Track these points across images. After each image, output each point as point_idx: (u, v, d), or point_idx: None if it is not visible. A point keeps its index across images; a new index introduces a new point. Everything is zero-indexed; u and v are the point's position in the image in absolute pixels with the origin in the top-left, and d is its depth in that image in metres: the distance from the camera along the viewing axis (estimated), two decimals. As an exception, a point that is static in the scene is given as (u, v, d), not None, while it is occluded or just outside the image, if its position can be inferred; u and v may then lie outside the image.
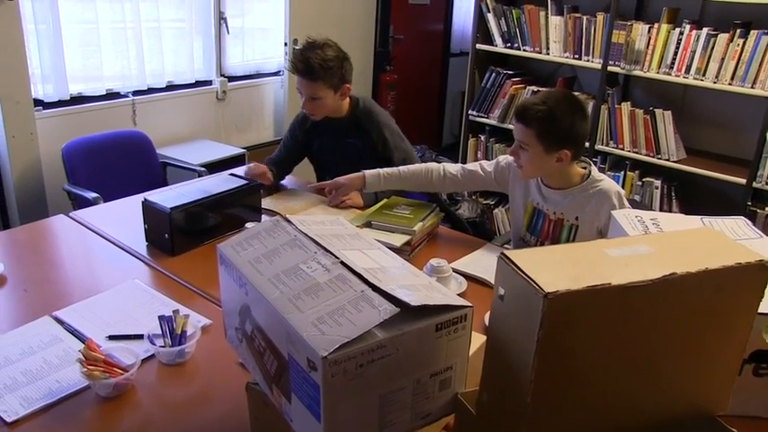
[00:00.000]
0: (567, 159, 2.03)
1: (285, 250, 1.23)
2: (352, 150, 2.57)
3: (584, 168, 2.11)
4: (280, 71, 4.44)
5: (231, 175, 2.37)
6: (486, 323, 1.58)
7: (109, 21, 3.46)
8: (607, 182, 2.11)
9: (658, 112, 3.51)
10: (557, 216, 2.17)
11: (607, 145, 3.72)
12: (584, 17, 3.63)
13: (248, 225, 2.05)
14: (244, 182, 2.27)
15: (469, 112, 4.19)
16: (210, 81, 4.03)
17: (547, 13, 3.75)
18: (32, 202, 3.18)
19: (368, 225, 2.16)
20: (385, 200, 2.37)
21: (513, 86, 3.97)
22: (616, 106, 3.65)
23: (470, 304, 1.13)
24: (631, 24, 3.48)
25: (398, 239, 2.07)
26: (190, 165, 3.39)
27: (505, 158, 2.29)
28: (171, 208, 2.00)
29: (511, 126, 3.98)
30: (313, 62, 2.33)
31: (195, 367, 1.51)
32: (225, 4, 3.97)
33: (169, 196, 2.09)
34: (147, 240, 2.10)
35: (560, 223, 2.17)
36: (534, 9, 3.79)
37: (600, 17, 3.57)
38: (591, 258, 1.06)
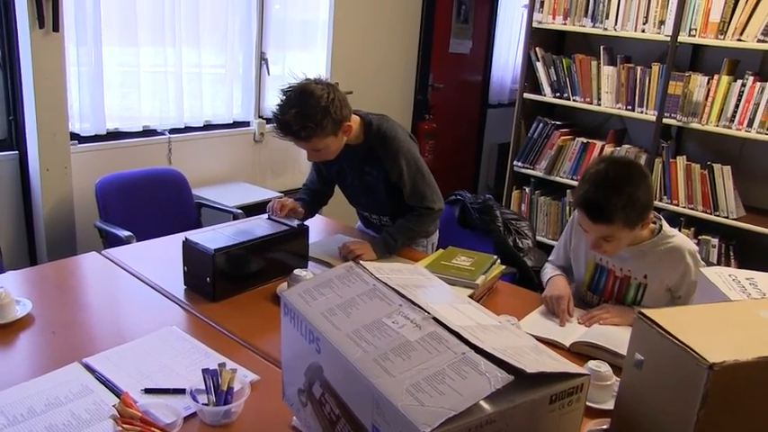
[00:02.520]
0: (649, 221, 1.88)
1: (364, 301, 1.06)
2: (369, 179, 2.33)
3: (654, 223, 1.94)
4: (318, 115, 4.33)
5: (270, 219, 2.20)
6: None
7: (150, 65, 3.40)
8: (680, 238, 1.94)
9: (717, 166, 3.34)
10: (623, 273, 1.99)
11: (661, 200, 3.54)
12: (638, 68, 3.51)
13: (297, 272, 1.89)
14: (287, 225, 2.11)
15: (514, 162, 4.04)
16: (248, 122, 3.94)
17: (599, 63, 3.63)
18: (62, 238, 3.05)
19: (424, 275, 1.98)
20: (441, 250, 2.20)
21: (562, 137, 3.83)
22: (671, 160, 3.48)
23: (587, 372, 0.94)
24: (689, 75, 3.34)
25: (460, 293, 1.88)
26: (226, 206, 3.25)
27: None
28: (215, 250, 1.84)
29: (558, 179, 3.90)
30: (294, 126, 2.02)
31: (242, 429, 1.33)
32: (267, 46, 3.90)
33: (211, 237, 1.94)
34: (185, 284, 1.94)
35: (627, 281, 1.98)
36: (585, 59, 3.68)
37: (655, 68, 3.44)
38: (744, 322, 0.88)
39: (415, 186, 2.28)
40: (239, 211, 3.20)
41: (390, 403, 0.84)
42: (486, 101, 5.88)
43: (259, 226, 2.10)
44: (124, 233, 2.72)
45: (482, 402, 0.84)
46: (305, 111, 2.01)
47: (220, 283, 1.87)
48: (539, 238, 3.55)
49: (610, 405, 1.39)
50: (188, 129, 3.60)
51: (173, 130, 3.51)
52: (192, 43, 3.55)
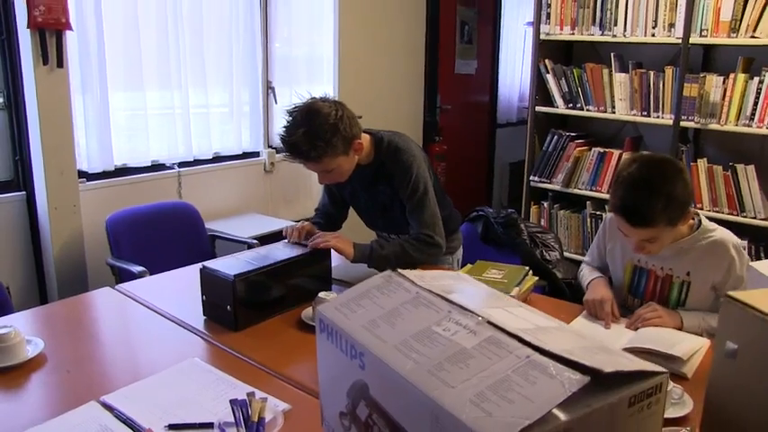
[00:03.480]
0: (690, 216, 1.79)
1: (408, 310, 0.97)
2: (383, 198, 2.22)
3: (692, 218, 1.84)
4: (326, 142, 4.27)
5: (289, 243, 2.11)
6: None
7: (157, 108, 3.36)
8: (721, 231, 1.85)
9: (740, 167, 3.24)
10: (664, 272, 1.89)
11: (684, 206, 3.43)
12: (651, 72, 3.43)
13: (323, 295, 1.80)
14: (306, 249, 2.02)
15: (530, 178, 3.95)
16: (258, 152, 3.88)
17: (610, 71, 3.56)
18: (73, 277, 2.97)
19: (455, 290, 1.89)
20: (470, 265, 2.10)
21: (578, 149, 3.75)
22: (692, 164, 3.39)
23: (665, 370, 0.84)
24: (704, 77, 3.26)
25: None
26: (240, 237, 3.17)
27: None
28: (234, 276, 1.75)
29: (577, 191, 3.79)
30: (303, 147, 1.92)
31: (277, 463, 1.22)
32: (273, 74, 3.86)
33: (230, 264, 1.85)
34: (204, 314, 1.85)
35: (669, 281, 1.89)
36: (596, 67, 3.61)
37: (669, 71, 3.37)
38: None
39: (419, 206, 2.14)
40: (254, 241, 3.12)
41: (453, 417, 0.74)
42: (495, 120, 5.82)
43: (278, 250, 2.01)
44: (137, 268, 2.64)
45: (555, 410, 0.74)
46: (313, 130, 1.92)
47: (242, 310, 1.77)
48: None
49: (669, 413, 1.28)
50: (197, 162, 3.54)
51: (182, 164, 3.45)
52: (199, 83, 3.51)
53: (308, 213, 4.21)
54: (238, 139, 3.77)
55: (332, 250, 2.05)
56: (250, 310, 1.81)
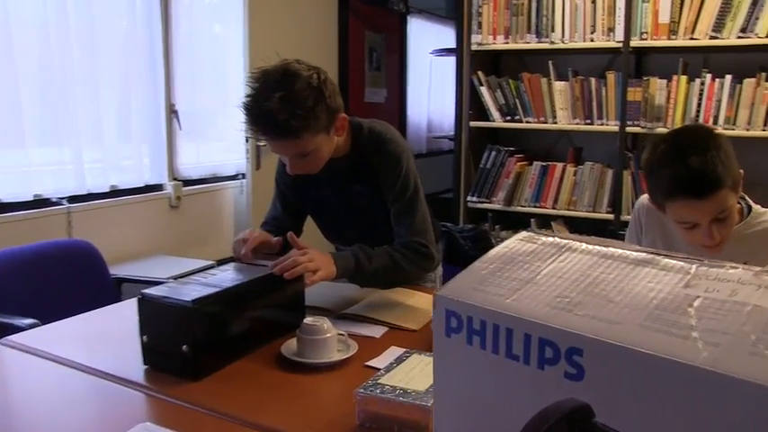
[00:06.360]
0: (739, 191, 1.52)
1: (610, 273, 0.56)
2: (359, 201, 1.79)
3: (739, 202, 1.58)
4: (239, 174, 3.80)
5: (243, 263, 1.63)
6: None
7: (37, 117, 2.76)
8: None
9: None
10: None
11: (636, 215, 3.27)
12: (592, 79, 3.29)
13: (311, 321, 1.36)
14: (267, 269, 1.54)
15: (468, 199, 3.66)
16: (162, 185, 3.33)
17: (549, 80, 3.38)
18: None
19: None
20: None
21: (519, 163, 3.51)
22: (639, 171, 3.24)
23: None
24: (647, 80, 3.15)
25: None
26: (156, 278, 2.60)
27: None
28: (193, 302, 1.26)
29: (520, 208, 3.53)
30: (281, 116, 1.47)
31: None
32: (176, 97, 3.36)
33: (178, 289, 1.36)
34: (146, 362, 1.33)
35: None
36: (534, 77, 3.42)
37: (611, 76, 3.24)
38: None
39: (410, 208, 1.73)
40: (172, 280, 2.56)
41: None
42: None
43: (230, 273, 1.53)
44: (25, 321, 2.02)
45: None
46: (293, 95, 1.48)
47: (204, 351, 1.28)
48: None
49: None
50: (92, 196, 2.95)
51: (72, 198, 2.85)
52: (90, 106, 2.94)
53: (223, 254, 3.68)
54: (139, 170, 3.22)
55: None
56: (214, 350, 1.32)
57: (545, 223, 3.54)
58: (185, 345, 1.26)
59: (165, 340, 1.30)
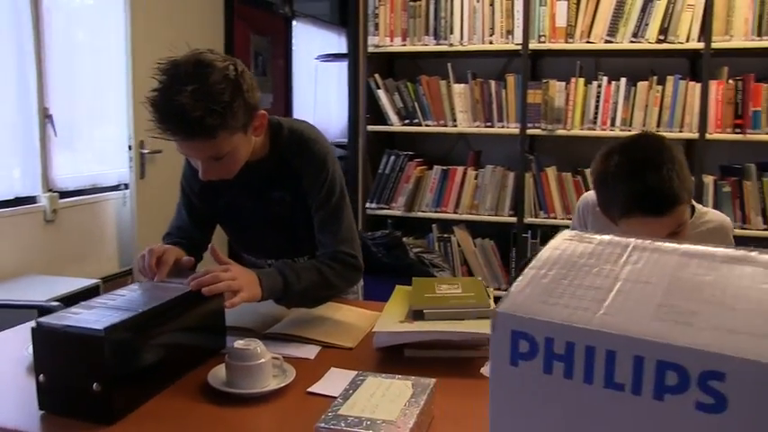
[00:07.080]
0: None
1: (705, 273, 0.47)
2: (279, 209, 1.62)
3: None
4: (121, 184, 3.48)
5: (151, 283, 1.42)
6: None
7: None
8: (715, 214, 1.63)
9: (588, 171, 3.20)
10: None
11: (537, 216, 3.31)
12: (492, 82, 3.30)
13: (242, 344, 1.19)
14: (183, 288, 1.35)
15: (367, 205, 3.56)
16: (35, 198, 2.97)
17: (448, 82, 3.36)
18: None
19: (418, 316, 1.38)
20: (402, 287, 1.60)
21: (418, 168, 3.46)
22: (541, 173, 3.29)
23: None
24: (546, 83, 3.20)
25: (483, 326, 1.32)
26: (30, 302, 2.29)
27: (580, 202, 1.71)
28: (105, 330, 1.06)
29: (421, 214, 3.47)
30: (195, 112, 1.29)
31: None
32: (50, 100, 3.01)
33: (82, 316, 1.14)
34: (41, 406, 1.11)
35: None
36: (433, 80, 3.39)
37: (511, 79, 3.26)
38: None
39: (335, 215, 1.59)
40: (55, 303, 2.26)
41: None
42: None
43: (145, 292, 1.33)
44: None
45: None
46: (206, 88, 1.30)
47: (118, 388, 1.08)
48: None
49: None
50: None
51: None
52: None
53: (105, 271, 3.36)
54: (8, 180, 2.85)
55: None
56: (130, 386, 1.12)
57: (447, 228, 3.52)
58: (95, 382, 1.06)
59: (69, 378, 1.09)
